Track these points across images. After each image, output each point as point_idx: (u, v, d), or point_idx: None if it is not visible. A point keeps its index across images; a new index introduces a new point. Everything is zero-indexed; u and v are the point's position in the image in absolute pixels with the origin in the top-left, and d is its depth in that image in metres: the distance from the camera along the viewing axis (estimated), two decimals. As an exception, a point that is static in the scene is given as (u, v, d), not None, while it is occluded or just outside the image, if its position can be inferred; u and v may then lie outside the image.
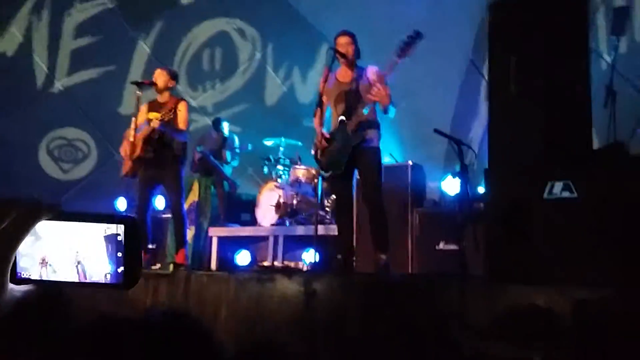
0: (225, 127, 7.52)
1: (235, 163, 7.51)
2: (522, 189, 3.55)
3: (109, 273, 0.81)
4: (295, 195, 6.67)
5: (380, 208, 4.76)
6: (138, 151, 5.54)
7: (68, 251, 0.81)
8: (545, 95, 3.70)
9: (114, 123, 8.03)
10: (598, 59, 6.61)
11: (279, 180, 6.92)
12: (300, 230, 6.55)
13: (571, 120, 3.72)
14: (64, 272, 0.81)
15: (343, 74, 4.95)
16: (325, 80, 4.91)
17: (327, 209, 6.44)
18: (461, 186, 4.39)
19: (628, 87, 5.93)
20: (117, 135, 6.19)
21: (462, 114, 7.70)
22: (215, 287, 4.44)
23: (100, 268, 0.81)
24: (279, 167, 6.98)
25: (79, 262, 0.81)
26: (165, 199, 6.44)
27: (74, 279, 0.81)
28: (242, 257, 6.67)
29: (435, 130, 4.39)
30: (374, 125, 4.83)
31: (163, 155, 5.56)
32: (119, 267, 0.81)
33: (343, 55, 4.85)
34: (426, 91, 7.51)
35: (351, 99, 4.80)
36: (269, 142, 7.30)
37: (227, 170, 7.39)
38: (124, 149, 5.65)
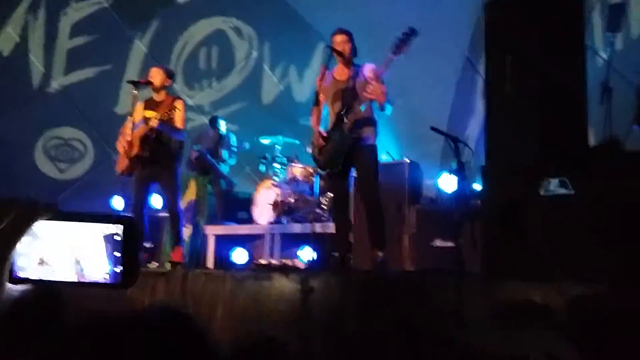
0: (222, 125, 7.50)
1: (232, 161, 7.50)
2: (518, 187, 3.56)
3: (107, 273, 0.82)
4: (292, 194, 6.67)
5: (377, 205, 4.77)
6: (135, 150, 5.53)
7: (67, 251, 0.81)
8: (541, 93, 3.72)
9: (111, 122, 7.99)
10: (594, 56, 6.62)
11: (275, 178, 6.92)
12: (297, 228, 6.55)
13: (567, 118, 3.73)
14: (63, 272, 0.81)
15: (340, 72, 4.95)
16: (322, 79, 4.90)
17: (323, 206, 6.45)
18: (458, 183, 4.39)
19: (624, 84, 5.93)
20: (113, 134, 6.17)
21: (459, 112, 7.70)
22: (213, 285, 4.44)
23: (99, 268, 0.82)
24: (276, 165, 6.98)
25: (77, 262, 0.81)
26: (162, 197, 6.44)
27: (73, 278, 0.82)
28: (239, 255, 6.67)
29: (432, 128, 4.38)
30: (371, 123, 4.83)
31: (160, 154, 5.55)
32: (117, 267, 0.82)
33: (340, 53, 4.84)
34: (423, 89, 7.50)
35: (348, 97, 4.80)
36: (265, 141, 7.30)
37: (224, 168, 7.38)
38: (121, 145, 5.64)
